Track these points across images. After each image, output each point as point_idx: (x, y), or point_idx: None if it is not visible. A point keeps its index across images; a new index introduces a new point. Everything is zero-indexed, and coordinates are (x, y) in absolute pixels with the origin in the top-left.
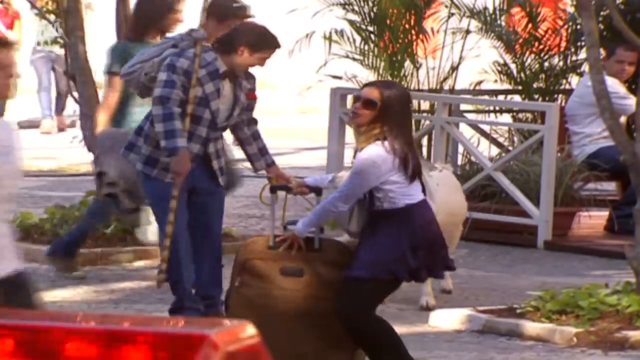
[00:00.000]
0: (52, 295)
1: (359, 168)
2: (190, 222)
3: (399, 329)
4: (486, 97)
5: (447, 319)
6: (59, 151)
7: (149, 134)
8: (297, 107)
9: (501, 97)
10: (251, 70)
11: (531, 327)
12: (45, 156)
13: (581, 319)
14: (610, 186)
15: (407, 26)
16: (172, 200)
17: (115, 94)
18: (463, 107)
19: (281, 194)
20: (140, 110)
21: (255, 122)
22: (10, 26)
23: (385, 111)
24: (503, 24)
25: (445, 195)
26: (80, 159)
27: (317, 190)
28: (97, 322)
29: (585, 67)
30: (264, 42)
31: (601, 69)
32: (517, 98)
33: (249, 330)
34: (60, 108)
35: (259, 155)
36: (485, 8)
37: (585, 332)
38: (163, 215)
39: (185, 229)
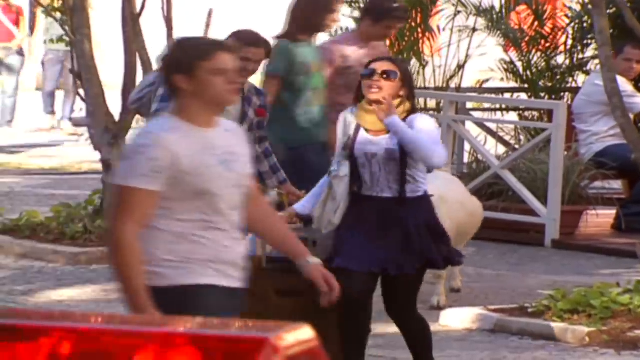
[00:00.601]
0: (59, 295)
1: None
2: None
3: None
4: (492, 95)
5: (458, 318)
6: (60, 149)
7: None
8: None
9: (507, 96)
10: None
11: (543, 326)
12: (46, 154)
13: (593, 319)
14: (618, 185)
15: (413, 24)
16: None
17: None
18: (469, 105)
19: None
20: (307, 109)
21: (265, 139)
22: (15, 22)
23: (407, 83)
24: (509, 22)
25: (462, 197)
26: (83, 157)
27: (308, 220)
28: (153, 324)
29: (592, 66)
30: (238, 42)
31: (613, 67)
32: (523, 96)
33: (308, 333)
34: (70, 109)
35: (271, 173)
36: (492, 7)
37: (598, 332)
38: None
39: None
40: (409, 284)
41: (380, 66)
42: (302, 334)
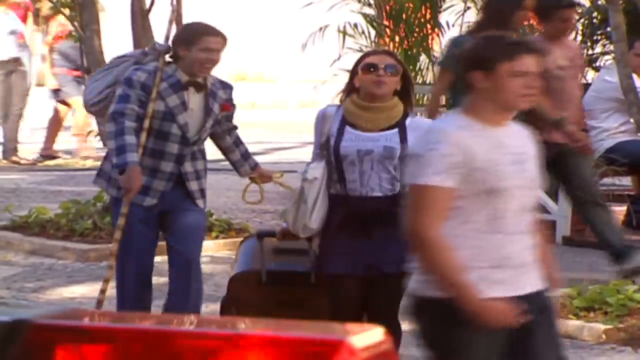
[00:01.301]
0: (70, 291)
1: None
2: (168, 246)
3: None
4: None
5: None
6: (63, 145)
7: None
8: (297, 101)
9: None
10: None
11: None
12: None
13: (609, 316)
14: (628, 181)
15: (422, 20)
16: (120, 218)
17: (439, 86)
18: None
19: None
20: None
21: (235, 128)
22: (23, 18)
23: (406, 77)
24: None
25: None
26: (86, 153)
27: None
28: (225, 325)
29: (602, 62)
30: (192, 35)
31: (628, 63)
32: None
33: (381, 335)
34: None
35: (243, 160)
36: None
37: (615, 329)
38: (129, 241)
39: (140, 257)
40: (398, 285)
41: (381, 60)
42: (376, 336)
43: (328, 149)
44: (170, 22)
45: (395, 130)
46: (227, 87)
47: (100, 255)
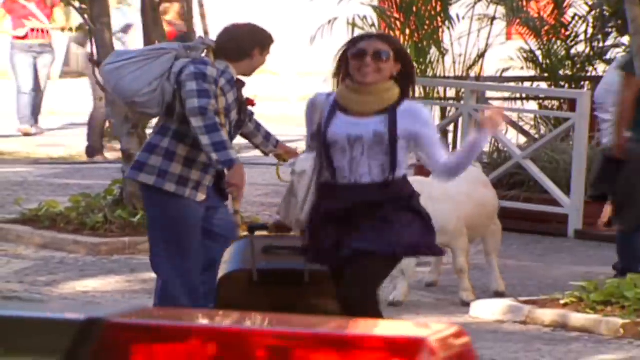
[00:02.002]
0: (83, 285)
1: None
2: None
3: (440, 319)
4: (513, 84)
5: (489, 310)
6: (66, 138)
7: (174, 152)
8: (298, 94)
9: (527, 84)
10: None
11: (576, 318)
12: (51, 143)
13: (627, 310)
14: None
15: (432, 12)
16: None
17: (628, 94)
18: (488, 94)
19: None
20: None
21: (253, 114)
22: (50, 17)
23: (402, 59)
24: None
25: (469, 188)
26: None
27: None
28: (303, 324)
29: (612, 54)
30: (269, 39)
31: None
32: (543, 85)
33: (461, 334)
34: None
35: (266, 141)
36: None
37: (632, 323)
38: (186, 238)
39: (200, 253)
40: (377, 267)
41: (370, 46)
42: (456, 335)
43: (318, 137)
44: (203, 17)
45: (387, 114)
46: (244, 83)
47: (112, 249)
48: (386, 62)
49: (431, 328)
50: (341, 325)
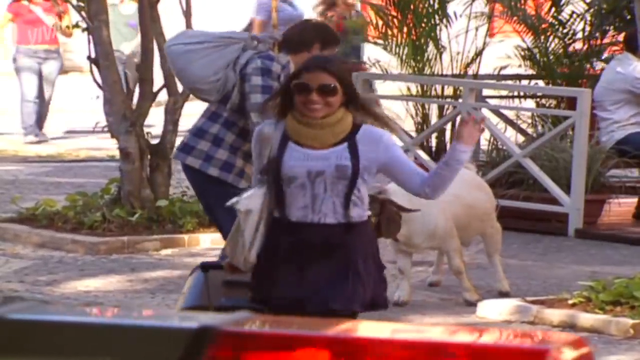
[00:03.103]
0: (84, 285)
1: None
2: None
3: (446, 320)
4: (509, 82)
5: (496, 310)
6: (51, 136)
7: (223, 139)
8: None
9: (524, 82)
10: None
11: (585, 318)
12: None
13: (636, 310)
14: (635, 173)
15: (430, 10)
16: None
17: None
18: (485, 93)
19: None
20: None
21: None
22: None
23: (346, 88)
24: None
25: (457, 190)
26: (76, 144)
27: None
28: (422, 333)
29: (609, 53)
30: (333, 38)
31: None
32: (540, 83)
33: (581, 344)
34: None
35: None
36: None
37: None
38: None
39: None
40: None
41: (314, 79)
42: (578, 345)
43: (271, 172)
44: (275, 10)
45: (345, 145)
46: None
47: (110, 249)
48: (333, 94)
49: (554, 338)
50: (462, 335)
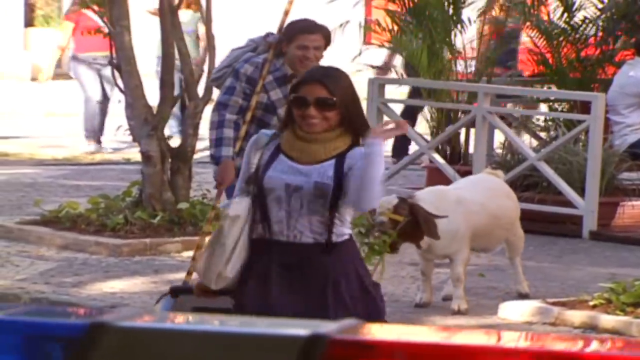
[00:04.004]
0: (110, 286)
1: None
2: None
3: (468, 321)
4: (526, 87)
5: (517, 311)
6: (66, 139)
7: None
8: None
9: (537, 87)
10: None
11: (606, 319)
12: (53, 145)
13: None
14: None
15: (445, 15)
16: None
17: None
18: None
19: None
20: None
21: None
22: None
23: (345, 106)
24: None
25: (484, 198)
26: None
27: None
28: (536, 341)
29: (624, 57)
30: (293, 29)
31: None
32: (552, 87)
33: None
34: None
35: None
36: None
37: None
38: None
39: None
40: None
41: (311, 92)
42: None
43: (255, 182)
44: (286, 13)
45: (332, 162)
46: None
47: (133, 250)
48: (328, 110)
49: None
50: (613, 345)
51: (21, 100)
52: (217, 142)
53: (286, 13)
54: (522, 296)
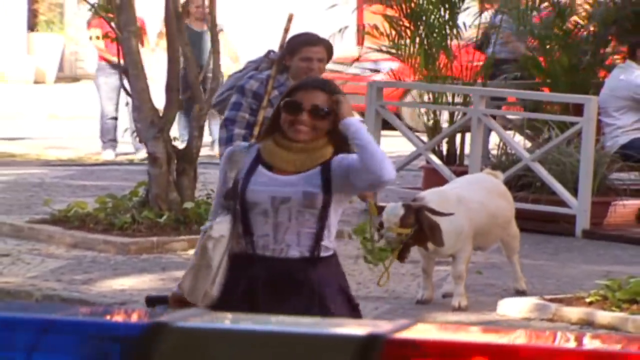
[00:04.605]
0: (119, 284)
1: None
2: None
3: (468, 317)
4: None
5: (516, 308)
6: (69, 141)
7: None
8: None
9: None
10: None
11: (602, 316)
12: (58, 146)
13: None
14: (628, 175)
15: (441, 20)
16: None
17: None
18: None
19: None
20: None
21: None
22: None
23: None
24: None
25: (483, 197)
26: (96, 147)
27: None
28: (607, 342)
29: (613, 61)
30: (296, 43)
31: None
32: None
33: None
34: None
35: None
36: (518, 5)
37: None
38: None
39: None
40: None
41: (308, 98)
42: None
43: (235, 196)
44: (286, 31)
45: (318, 169)
46: None
47: (140, 248)
48: (325, 119)
49: None
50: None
51: (25, 102)
52: None
53: (286, 30)
54: (520, 293)
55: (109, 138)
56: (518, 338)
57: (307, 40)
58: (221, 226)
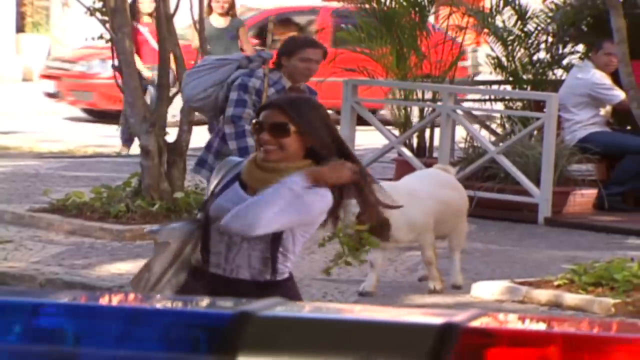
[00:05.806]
0: (117, 268)
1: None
2: None
3: (443, 300)
4: (484, 87)
5: (489, 291)
6: (58, 134)
7: (219, 150)
8: None
9: (494, 87)
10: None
11: (570, 298)
12: (49, 139)
13: (616, 291)
14: (585, 167)
15: (411, 23)
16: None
17: None
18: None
19: None
20: None
21: None
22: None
23: (312, 135)
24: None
25: (433, 187)
26: (83, 141)
27: None
28: None
29: (570, 61)
30: (296, 43)
31: (629, 62)
32: (508, 88)
33: None
34: None
35: None
36: (482, 8)
37: (623, 303)
38: None
39: None
40: None
41: (267, 118)
42: None
43: (203, 208)
44: (270, 32)
45: None
46: (313, 92)
47: (135, 236)
48: (282, 137)
49: None
50: None
51: (14, 99)
52: (243, 151)
53: (270, 32)
54: (456, 288)
55: (128, 136)
56: (593, 328)
57: (309, 42)
58: (172, 232)
